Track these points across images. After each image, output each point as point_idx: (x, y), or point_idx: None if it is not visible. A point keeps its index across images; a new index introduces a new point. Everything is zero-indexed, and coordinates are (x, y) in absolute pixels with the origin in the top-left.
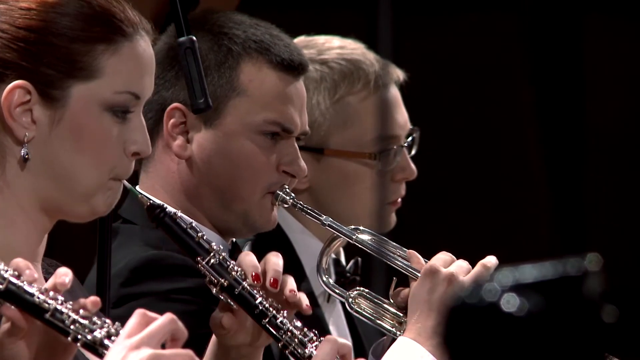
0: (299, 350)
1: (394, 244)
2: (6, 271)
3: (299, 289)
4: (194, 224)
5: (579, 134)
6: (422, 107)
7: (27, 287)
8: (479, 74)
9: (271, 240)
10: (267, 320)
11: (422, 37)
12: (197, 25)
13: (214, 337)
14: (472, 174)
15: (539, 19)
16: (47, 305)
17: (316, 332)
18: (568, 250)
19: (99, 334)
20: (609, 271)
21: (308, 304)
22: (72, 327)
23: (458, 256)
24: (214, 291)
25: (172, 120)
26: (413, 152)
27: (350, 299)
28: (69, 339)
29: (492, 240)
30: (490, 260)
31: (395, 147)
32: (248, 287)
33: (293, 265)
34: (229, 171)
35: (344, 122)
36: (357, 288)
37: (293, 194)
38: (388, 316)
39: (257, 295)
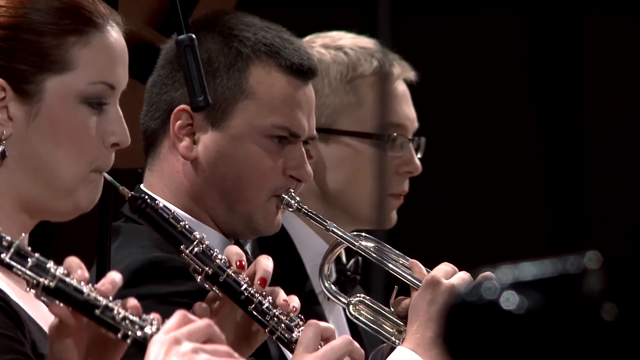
0: (286, 335)
1: (397, 252)
2: (56, 269)
3: (300, 287)
4: (175, 214)
5: (578, 131)
6: (420, 105)
7: (77, 285)
8: (477, 72)
9: (273, 237)
10: (253, 306)
11: (421, 34)
12: (208, 26)
13: None
14: (471, 172)
15: (538, 17)
16: (97, 302)
17: (302, 316)
18: (567, 248)
19: (149, 330)
20: (609, 269)
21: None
22: (122, 323)
23: (458, 254)
24: (199, 279)
25: (179, 122)
26: (418, 155)
27: (350, 306)
28: (119, 335)
29: (492, 238)
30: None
31: (402, 135)
32: (233, 275)
33: (294, 263)
34: (235, 173)
35: (354, 104)
36: (358, 295)
37: (298, 198)
38: (388, 324)
39: (242, 282)
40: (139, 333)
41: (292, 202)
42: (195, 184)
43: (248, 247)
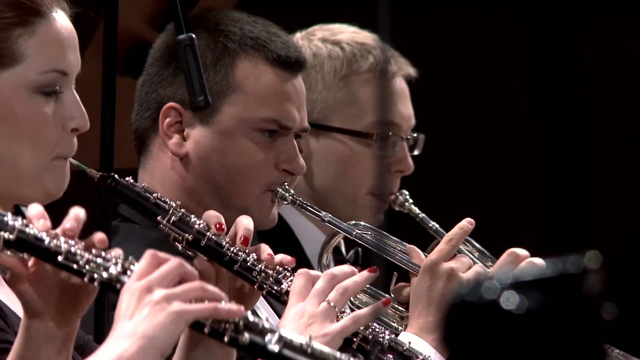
0: (276, 288)
1: (394, 238)
2: (14, 221)
3: None
4: (146, 186)
5: (578, 130)
6: (420, 103)
7: (37, 234)
8: (477, 71)
9: (274, 228)
10: (238, 265)
11: (421, 33)
12: (194, 24)
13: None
14: (470, 171)
15: (537, 16)
16: (58, 248)
17: (289, 268)
18: (567, 248)
19: (114, 270)
20: (609, 269)
21: (290, 258)
22: (86, 267)
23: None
24: (180, 248)
25: (167, 120)
26: (416, 152)
27: None
28: (85, 279)
29: (491, 237)
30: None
31: (395, 134)
32: (213, 237)
33: (296, 252)
34: (226, 168)
35: (346, 100)
36: None
37: (292, 191)
38: (390, 311)
39: (224, 243)
40: (104, 275)
41: (287, 195)
42: (188, 179)
43: None
